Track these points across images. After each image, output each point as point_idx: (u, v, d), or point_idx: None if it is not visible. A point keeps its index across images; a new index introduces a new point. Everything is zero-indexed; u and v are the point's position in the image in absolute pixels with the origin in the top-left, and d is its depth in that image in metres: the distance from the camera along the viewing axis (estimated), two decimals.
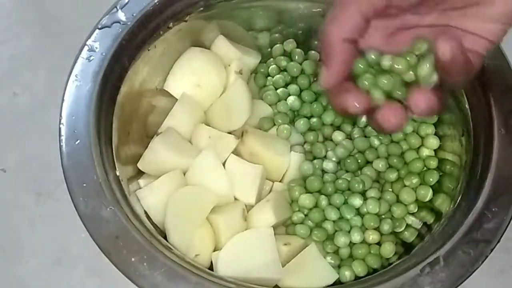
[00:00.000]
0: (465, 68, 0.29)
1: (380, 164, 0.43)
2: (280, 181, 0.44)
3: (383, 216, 0.42)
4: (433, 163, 0.43)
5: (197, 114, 0.44)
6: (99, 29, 0.39)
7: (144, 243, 0.34)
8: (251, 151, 0.42)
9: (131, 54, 0.40)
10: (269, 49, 0.50)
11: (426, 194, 0.42)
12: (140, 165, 0.41)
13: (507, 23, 0.29)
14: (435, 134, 0.44)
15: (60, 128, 0.36)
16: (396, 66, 0.30)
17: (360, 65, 0.31)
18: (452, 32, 0.30)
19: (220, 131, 0.43)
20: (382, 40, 0.32)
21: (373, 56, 0.31)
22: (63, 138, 0.36)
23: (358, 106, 0.31)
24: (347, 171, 0.44)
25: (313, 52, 0.49)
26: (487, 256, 0.34)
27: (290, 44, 0.49)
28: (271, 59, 0.49)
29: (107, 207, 0.34)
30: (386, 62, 0.31)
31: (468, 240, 0.34)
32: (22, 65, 0.53)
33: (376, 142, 0.45)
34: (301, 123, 0.45)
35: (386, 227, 0.41)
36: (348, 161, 0.44)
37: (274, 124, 0.46)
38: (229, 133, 0.44)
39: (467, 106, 0.40)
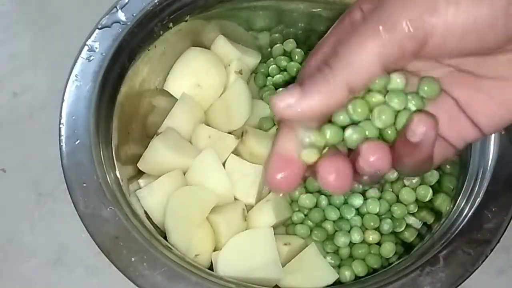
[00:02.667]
0: (420, 162, 0.25)
1: None
2: None
3: (383, 216, 0.42)
4: None
5: (197, 114, 0.44)
6: (99, 29, 0.39)
7: (144, 243, 0.34)
8: (251, 151, 0.42)
9: (131, 54, 0.40)
10: (269, 49, 0.50)
11: (426, 194, 0.42)
12: (140, 165, 0.41)
13: None
14: None
15: (60, 128, 0.36)
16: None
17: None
18: (441, 108, 0.26)
19: (220, 131, 0.43)
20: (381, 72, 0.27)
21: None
22: (63, 138, 0.36)
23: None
24: None
25: None
26: (487, 256, 0.34)
27: (290, 44, 0.49)
28: (271, 59, 0.49)
29: (107, 207, 0.34)
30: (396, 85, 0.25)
31: (468, 240, 0.34)
32: (22, 65, 0.53)
33: None
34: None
35: (386, 227, 0.41)
36: None
37: (274, 124, 0.46)
38: (229, 133, 0.44)
39: None
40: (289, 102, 0.24)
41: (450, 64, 0.26)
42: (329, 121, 0.27)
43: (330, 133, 0.26)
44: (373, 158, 0.24)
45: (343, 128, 0.26)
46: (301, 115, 0.25)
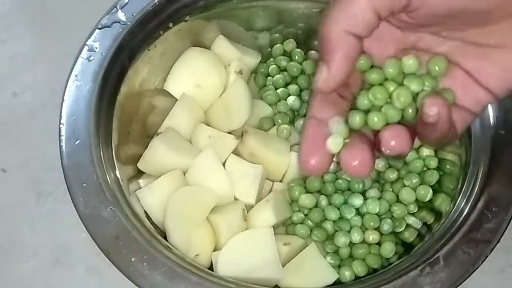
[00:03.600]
0: (445, 135, 0.28)
1: (380, 164, 0.43)
2: (280, 181, 0.44)
3: (383, 216, 0.42)
4: (433, 163, 0.43)
5: (197, 114, 0.44)
6: (99, 29, 0.39)
7: (144, 243, 0.34)
8: (251, 151, 0.42)
9: (131, 54, 0.41)
10: (269, 49, 0.50)
11: (426, 194, 0.42)
12: (140, 165, 0.41)
13: None
14: None
15: (60, 128, 0.36)
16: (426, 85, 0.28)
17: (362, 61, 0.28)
18: (455, 80, 0.28)
19: (220, 131, 0.43)
20: (394, 53, 0.29)
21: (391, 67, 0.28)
22: (63, 138, 0.36)
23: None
24: None
25: (313, 52, 0.49)
26: (487, 256, 0.34)
27: (290, 44, 0.49)
28: (271, 59, 0.49)
29: (107, 207, 0.34)
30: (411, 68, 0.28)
31: (468, 240, 0.34)
32: (22, 65, 0.53)
33: None
34: (301, 123, 0.45)
35: (386, 227, 0.41)
36: None
37: (274, 124, 0.46)
38: (229, 133, 0.44)
39: None
40: (323, 77, 0.28)
41: (456, 37, 0.28)
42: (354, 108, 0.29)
43: (356, 117, 0.28)
44: (394, 142, 0.27)
45: (367, 112, 0.29)
46: (336, 80, 0.27)
